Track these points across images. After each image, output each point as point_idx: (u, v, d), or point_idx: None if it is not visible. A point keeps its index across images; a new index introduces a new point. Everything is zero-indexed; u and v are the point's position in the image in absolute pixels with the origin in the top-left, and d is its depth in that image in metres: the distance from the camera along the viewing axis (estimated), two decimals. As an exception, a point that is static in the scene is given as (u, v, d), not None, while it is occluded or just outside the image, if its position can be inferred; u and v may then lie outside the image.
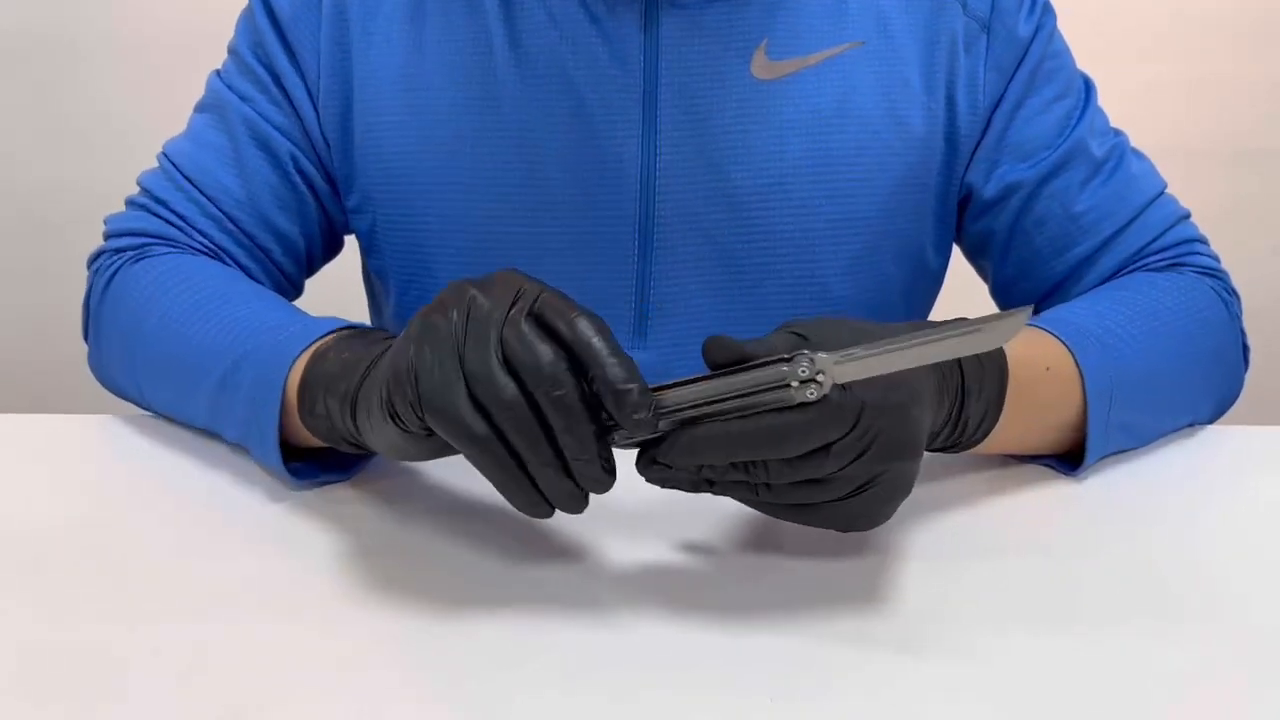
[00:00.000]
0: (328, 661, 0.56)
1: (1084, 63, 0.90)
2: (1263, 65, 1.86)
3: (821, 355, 0.53)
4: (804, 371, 0.53)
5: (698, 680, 0.55)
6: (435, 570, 0.63)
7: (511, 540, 0.66)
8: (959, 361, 0.64)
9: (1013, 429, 0.69)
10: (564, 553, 0.65)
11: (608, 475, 0.56)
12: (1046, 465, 0.75)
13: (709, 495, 0.59)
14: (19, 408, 0.85)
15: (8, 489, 0.73)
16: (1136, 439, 0.77)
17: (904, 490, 0.59)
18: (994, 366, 0.67)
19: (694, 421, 0.55)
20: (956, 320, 0.55)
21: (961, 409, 0.65)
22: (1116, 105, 0.92)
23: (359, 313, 1.00)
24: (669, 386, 0.55)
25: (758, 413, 0.54)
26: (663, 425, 0.55)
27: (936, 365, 0.61)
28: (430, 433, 0.57)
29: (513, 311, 0.55)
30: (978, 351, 0.56)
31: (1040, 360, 0.72)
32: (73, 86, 1.85)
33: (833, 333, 0.57)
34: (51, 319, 0.89)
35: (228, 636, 0.58)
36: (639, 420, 0.54)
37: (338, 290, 1.10)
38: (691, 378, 0.55)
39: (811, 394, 0.53)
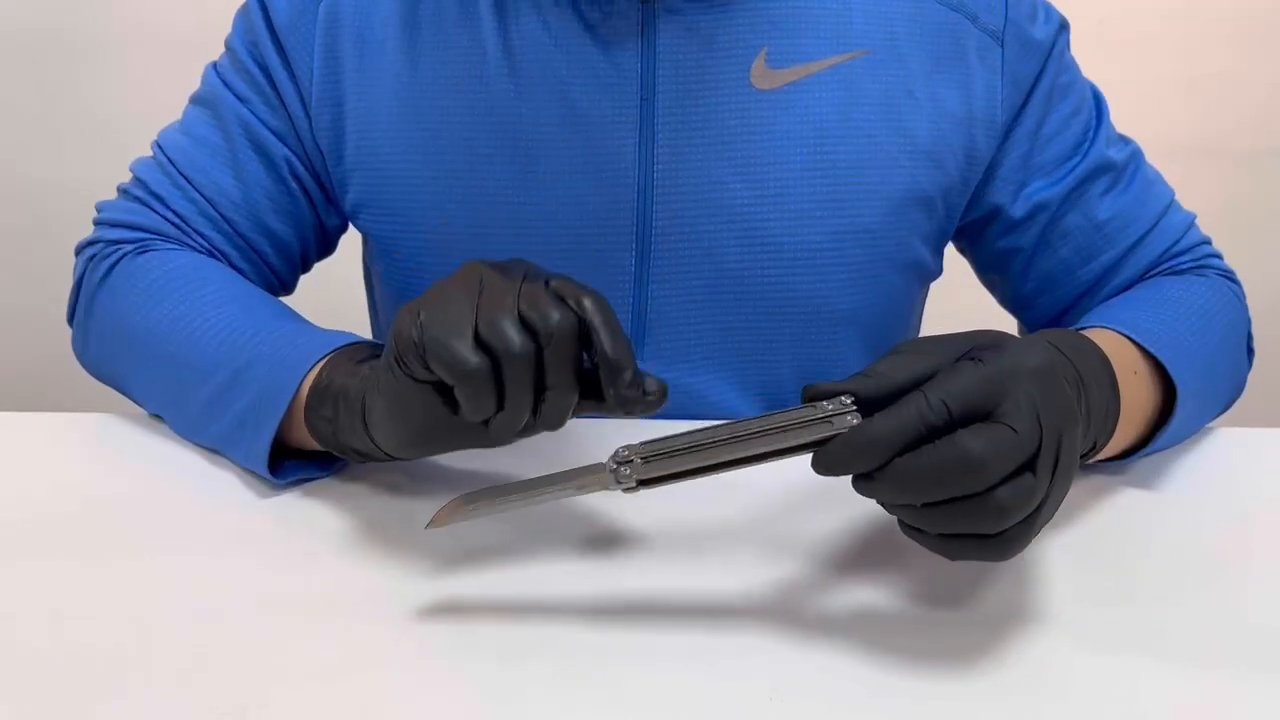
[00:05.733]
0: (328, 660, 0.56)
1: (1084, 62, 0.90)
2: (1263, 65, 1.86)
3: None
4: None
5: (698, 678, 0.55)
6: (435, 568, 0.64)
7: (511, 538, 0.66)
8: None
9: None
10: (564, 551, 0.65)
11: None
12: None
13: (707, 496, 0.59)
14: (18, 407, 0.85)
15: (7, 488, 0.73)
16: (1188, 434, 0.80)
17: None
18: (1101, 372, 0.65)
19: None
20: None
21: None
22: (1116, 105, 0.92)
23: (359, 313, 1.00)
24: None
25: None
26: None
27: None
28: (428, 383, 0.58)
29: (528, 281, 0.59)
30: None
31: (1128, 364, 0.72)
32: (73, 86, 1.85)
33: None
34: (51, 319, 0.88)
35: (228, 635, 0.58)
36: (628, 397, 0.57)
37: (338, 290, 1.11)
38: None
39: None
